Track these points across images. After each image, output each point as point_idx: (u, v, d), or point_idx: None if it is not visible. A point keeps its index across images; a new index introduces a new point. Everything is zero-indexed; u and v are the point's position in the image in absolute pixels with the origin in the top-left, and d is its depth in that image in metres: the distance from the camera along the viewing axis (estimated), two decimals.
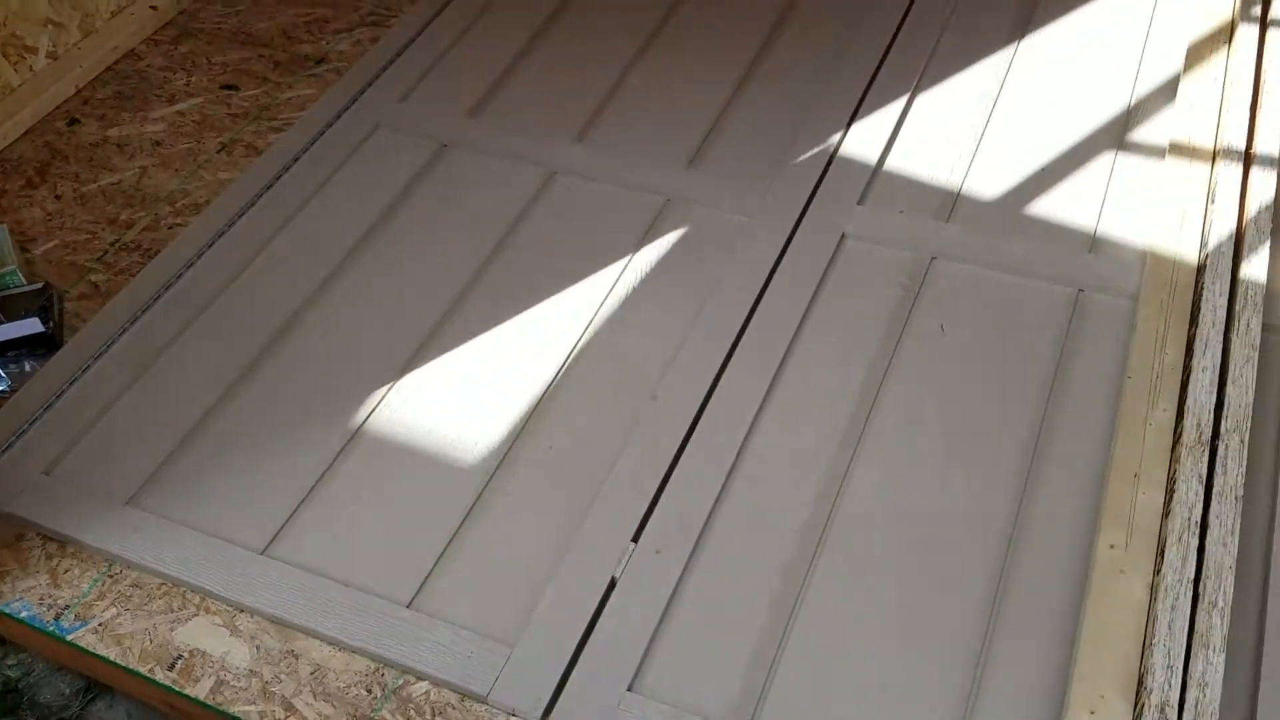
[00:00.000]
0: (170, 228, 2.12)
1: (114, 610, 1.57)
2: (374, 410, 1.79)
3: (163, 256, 2.03)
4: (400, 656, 1.50)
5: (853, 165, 2.11)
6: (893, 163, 2.12)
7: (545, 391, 1.80)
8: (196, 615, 1.56)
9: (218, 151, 2.28)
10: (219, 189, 2.19)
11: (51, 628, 1.55)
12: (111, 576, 1.61)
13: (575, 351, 1.85)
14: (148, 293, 1.96)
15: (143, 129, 2.34)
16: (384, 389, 1.82)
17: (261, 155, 2.23)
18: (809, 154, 2.13)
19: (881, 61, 2.33)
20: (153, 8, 2.57)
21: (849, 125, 2.19)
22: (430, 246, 2.05)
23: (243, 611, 1.57)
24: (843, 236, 1.98)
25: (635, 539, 1.60)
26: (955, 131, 2.18)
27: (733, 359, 1.81)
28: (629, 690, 1.46)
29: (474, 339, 1.88)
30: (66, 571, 1.61)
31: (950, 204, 2.04)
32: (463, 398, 1.80)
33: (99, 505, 1.66)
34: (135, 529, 1.63)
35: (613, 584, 1.56)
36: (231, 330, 1.92)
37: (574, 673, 1.48)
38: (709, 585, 1.56)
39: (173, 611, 1.57)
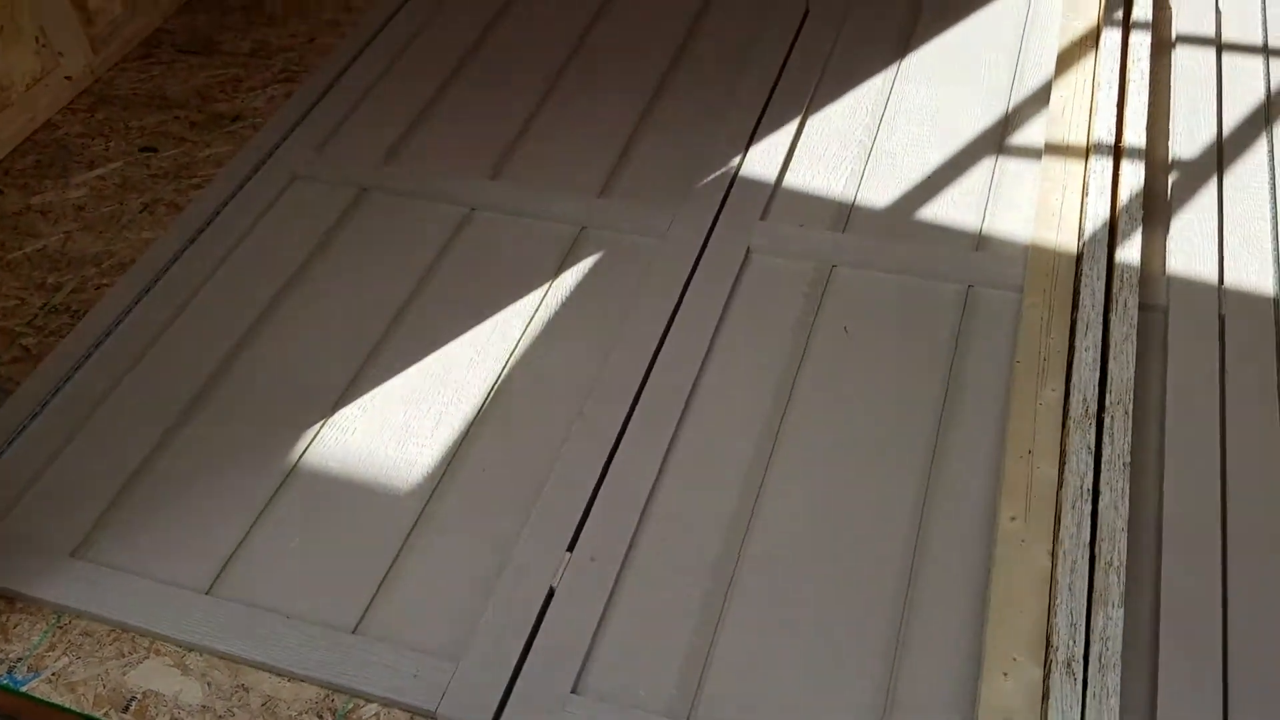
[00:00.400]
0: (98, 288, 2.16)
1: (66, 659, 1.60)
2: (308, 447, 1.85)
3: (91, 316, 2.07)
4: (349, 681, 1.55)
5: (753, 184, 2.22)
6: (790, 180, 2.24)
7: (476, 416, 1.87)
8: (147, 658, 1.60)
9: (140, 212, 2.33)
10: (143, 248, 2.23)
11: (5, 681, 1.58)
12: (61, 627, 1.64)
13: (502, 376, 1.93)
14: (79, 352, 2.00)
15: (65, 195, 2.38)
16: (317, 425, 1.88)
17: (183, 212, 2.29)
18: (712, 176, 2.24)
19: (774, 86, 2.46)
20: (68, 78, 2.62)
21: (747, 147, 2.30)
22: (355, 287, 2.11)
23: (192, 650, 1.61)
24: (748, 251, 2.09)
25: (570, 549, 1.67)
26: (846, 147, 2.31)
27: (653, 371, 1.89)
28: (573, 693, 1.52)
29: (403, 371, 1.95)
30: (16, 626, 1.65)
31: (845, 214, 2.16)
32: (396, 428, 1.87)
33: (45, 559, 1.70)
34: (82, 579, 1.67)
35: (551, 593, 1.63)
36: (163, 382, 1.96)
37: (519, 681, 1.54)
38: (643, 587, 1.63)
39: (123, 656, 1.61)
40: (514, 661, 1.55)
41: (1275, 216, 2.04)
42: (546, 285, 2.08)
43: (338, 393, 1.93)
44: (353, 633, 1.61)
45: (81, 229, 2.30)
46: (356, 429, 1.87)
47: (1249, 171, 2.13)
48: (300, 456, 1.83)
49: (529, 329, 2.00)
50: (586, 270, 2.10)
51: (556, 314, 2.03)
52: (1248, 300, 1.91)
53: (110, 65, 2.72)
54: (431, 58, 2.65)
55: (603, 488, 1.74)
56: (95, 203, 2.36)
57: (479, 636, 1.58)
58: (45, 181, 2.42)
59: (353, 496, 1.78)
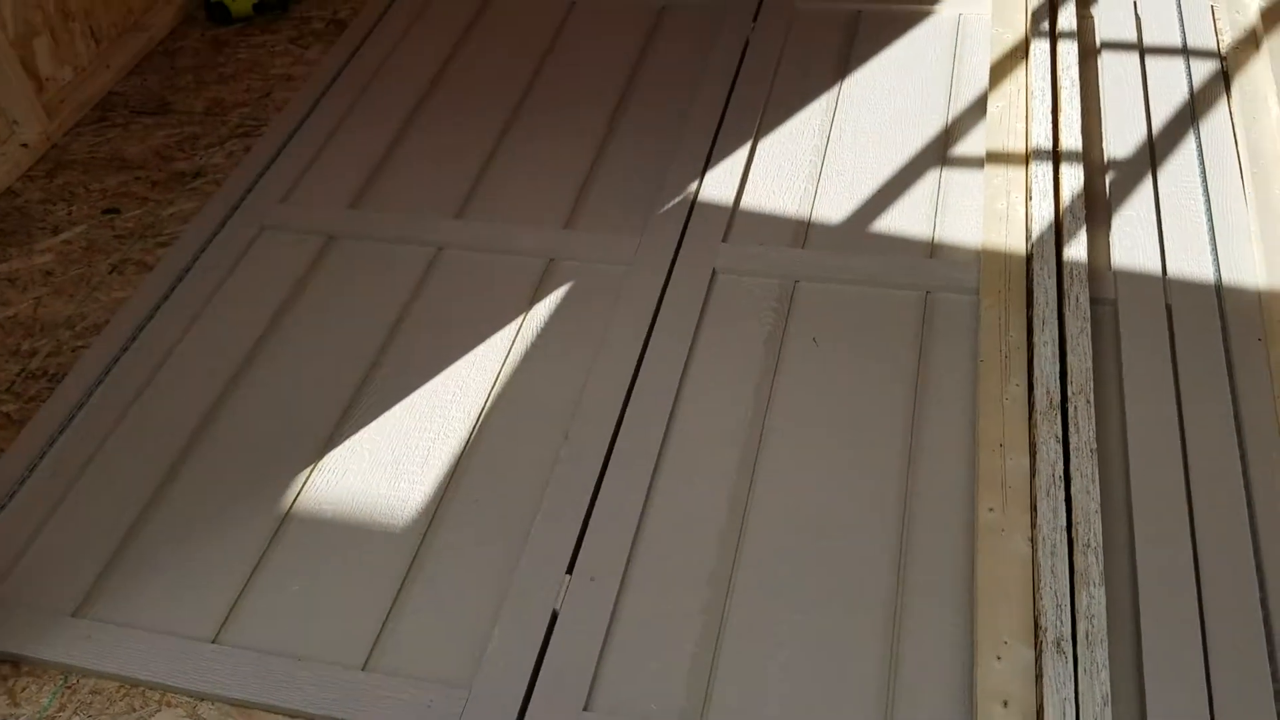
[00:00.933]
0: (74, 350, 2.17)
1: (78, 719, 1.61)
2: (300, 491, 1.87)
3: (70, 379, 2.08)
4: (365, 717, 1.57)
5: (713, 209, 2.30)
6: (747, 202, 2.32)
7: (464, 449, 1.91)
8: (159, 710, 1.61)
9: (109, 273, 2.34)
10: (115, 308, 2.25)
11: None
12: (70, 687, 1.65)
13: (486, 408, 1.97)
14: (62, 415, 2.01)
15: (31, 261, 2.39)
16: (306, 470, 1.90)
17: (153, 271, 2.31)
18: (672, 203, 2.31)
19: (723, 114, 2.54)
20: (24, 145, 2.62)
21: (703, 173, 2.38)
22: (331, 333, 2.15)
23: (203, 700, 1.62)
24: (714, 272, 2.16)
25: (570, 570, 1.71)
26: (798, 167, 2.39)
27: (633, 392, 1.95)
28: (585, 710, 1.55)
29: (387, 411, 1.99)
30: (24, 689, 1.65)
31: (803, 232, 2.24)
32: (385, 467, 1.90)
33: (47, 621, 1.70)
34: (86, 638, 1.68)
35: (555, 616, 1.67)
36: (148, 438, 1.98)
37: (531, 703, 1.57)
38: (644, 602, 1.68)
39: (135, 711, 1.62)
40: (525, 684, 1.59)
41: (1209, 208, 2.16)
42: (521, 317, 2.13)
43: (324, 437, 1.95)
44: (362, 670, 1.63)
45: (51, 294, 2.31)
46: (348, 470, 1.90)
47: (1180, 167, 2.25)
48: (294, 501, 1.86)
49: (508, 360, 2.05)
50: (559, 300, 2.16)
51: (533, 344, 2.08)
52: (1190, 288, 2.01)
53: (66, 130, 2.73)
54: (388, 103, 2.70)
55: (595, 508, 1.79)
56: (63, 267, 2.37)
57: (488, 663, 1.61)
58: (10, 250, 2.42)
59: (350, 537, 1.80)
